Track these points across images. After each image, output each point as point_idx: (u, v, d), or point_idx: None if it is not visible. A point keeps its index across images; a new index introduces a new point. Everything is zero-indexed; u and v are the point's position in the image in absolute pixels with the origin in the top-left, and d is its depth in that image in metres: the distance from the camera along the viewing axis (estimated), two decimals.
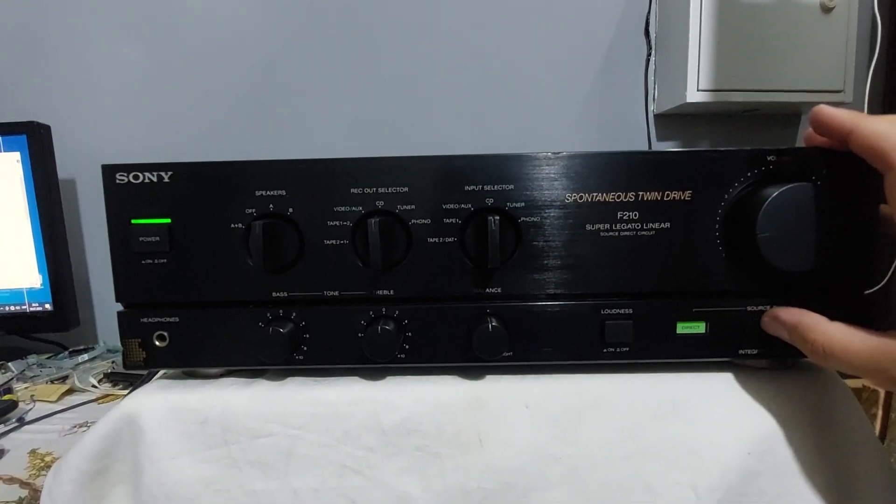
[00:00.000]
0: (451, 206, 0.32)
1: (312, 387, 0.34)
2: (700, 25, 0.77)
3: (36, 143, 0.71)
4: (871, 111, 0.77)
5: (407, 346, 0.33)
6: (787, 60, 0.78)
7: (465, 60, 0.86)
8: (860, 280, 0.33)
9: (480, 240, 0.31)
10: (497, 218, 0.30)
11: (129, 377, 0.65)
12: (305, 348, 0.34)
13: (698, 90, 0.78)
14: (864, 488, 0.33)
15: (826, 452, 0.33)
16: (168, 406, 0.33)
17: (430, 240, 0.32)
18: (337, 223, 0.32)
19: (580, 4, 0.87)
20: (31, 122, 0.71)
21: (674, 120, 0.90)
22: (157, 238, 0.32)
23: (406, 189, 0.32)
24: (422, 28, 0.86)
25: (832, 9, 0.77)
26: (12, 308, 0.74)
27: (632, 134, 0.89)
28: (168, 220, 0.32)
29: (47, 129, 0.73)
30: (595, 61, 0.88)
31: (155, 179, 0.32)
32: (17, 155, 0.71)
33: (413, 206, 0.32)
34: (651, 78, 0.88)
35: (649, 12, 0.87)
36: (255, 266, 0.32)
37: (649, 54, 0.88)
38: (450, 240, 0.32)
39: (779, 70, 0.78)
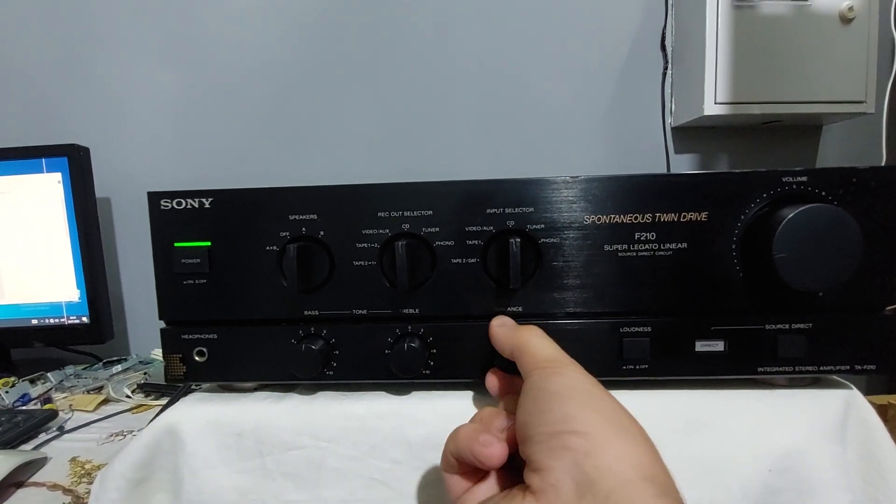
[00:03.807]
0: (474, 228, 0.34)
1: (341, 401, 0.36)
2: (717, 38, 0.78)
3: (76, 164, 0.75)
4: (890, 122, 0.76)
5: (432, 363, 0.35)
6: (807, 72, 0.77)
7: (484, 76, 0.88)
8: (878, 298, 0.33)
9: (502, 261, 0.33)
10: (518, 240, 0.32)
11: (160, 388, 0.68)
12: (335, 364, 0.35)
13: (716, 103, 0.78)
14: None
15: (849, 471, 0.33)
16: (206, 418, 0.35)
17: (454, 261, 0.34)
18: (365, 245, 0.34)
19: (597, 20, 0.88)
20: (72, 145, 0.75)
21: (692, 133, 0.90)
22: (198, 260, 0.35)
23: (430, 212, 0.34)
24: (440, 48, 0.88)
25: (852, 19, 0.77)
26: (52, 320, 0.77)
27: (649, 147, 0.89)
28: (208, 243, 0.35)
29: (86, 151, 0.77)
30: (612, 75, 0.89)
31: (196, 205, 0.35)
32: (58, 176, 0.75)
33: (437, 229, 0.34)
34: (668, 91, 0.89)
35: (665, 26, 0.88)
36: (288, 286, 0.34)
37: (666, 67, 0.88)
38: (473, 261, 0.34)
39: (798, 82, 0.78)
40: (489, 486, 0.27)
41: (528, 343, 0.29)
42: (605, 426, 0.23)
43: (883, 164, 0.74)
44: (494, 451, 0.25)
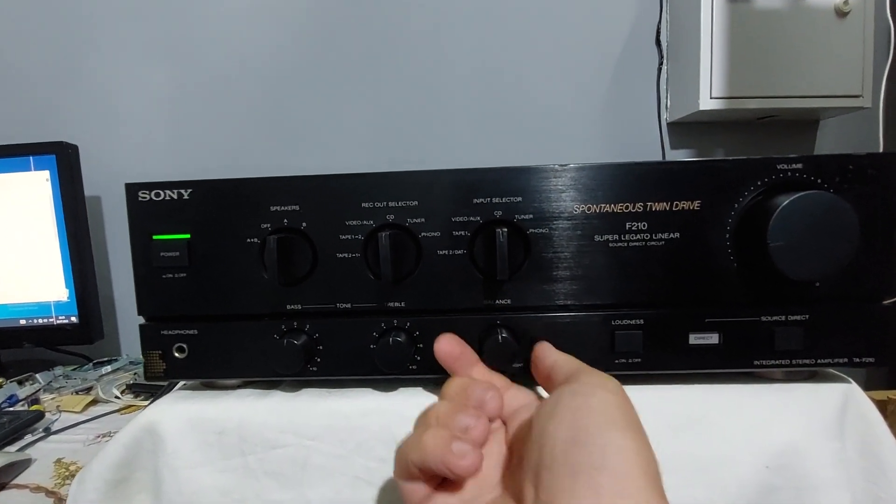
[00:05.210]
0: (461, 218, 0.33)
1: (326, 398, 0.35)
2: (712, 32, 0.77)
3: (64, 162, 0.74)
4: (886, 117, 0.75)
5: (418, 358, 0.34)
6: (803, 66, 0.77)
7: (479, 72, 0.87)
8: (877, 289, 0.32)
9: (489, 252, 0.32)
10: (505, 230, 0.31)
11: (150, 388, 0.66)
12: (319, 360, 0.34)
13: (711, 98, 0.77)
14: None
15: (849, 468, 0.32)
16: (187, 416, 0.34)
17: (440, 252, 0.33)
18: (349, 237, 0.33)
19: (592, 15, 0.87)
20: (60, 143, 0.74)
21: (687, 128, 0.89)
22: (177, 253, 0.34)
23: (416, 203, 0.33)
24: (435, 43, 0.87)
25: (847, 13, 0.76)
26: (40, 321, 0.76)
27: (645, 143, 0.88)
28: (187, 236, 0.34)
29: (75, 148, 0.76)
30: (607, 71, 0.88)
31: (175, 196, 0.34)
32: (46, 174, 0.74)
33: (423, 220, 0.33)
34: (663, 86, 0.88)
35: (660, 21, 0.87)
36: (270, 279, 0.33)
37: (661, 62, 0.88)
38: (459, 252, 0.33)
39: (794, 76, 0.77)
40: (456, 494, 0.25)
41: (572, 358, 0.28)
42: (638, 468, 0.21)
43: None
44: (471, 461, 0.23)
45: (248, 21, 0.86)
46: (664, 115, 0.89)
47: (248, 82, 0.87)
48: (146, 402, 0.64)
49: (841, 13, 0.76)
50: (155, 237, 0.34)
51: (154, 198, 0.34)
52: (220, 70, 0.87)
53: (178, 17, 0.86)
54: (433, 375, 0.34)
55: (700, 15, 0.77)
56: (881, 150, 0.74)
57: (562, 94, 0.88)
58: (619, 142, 0.90)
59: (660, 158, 0.88)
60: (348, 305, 0.34)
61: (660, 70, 0.88)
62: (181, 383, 0.39)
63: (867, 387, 0.39)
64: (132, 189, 0.34)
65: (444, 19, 0.87)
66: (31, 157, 0.74)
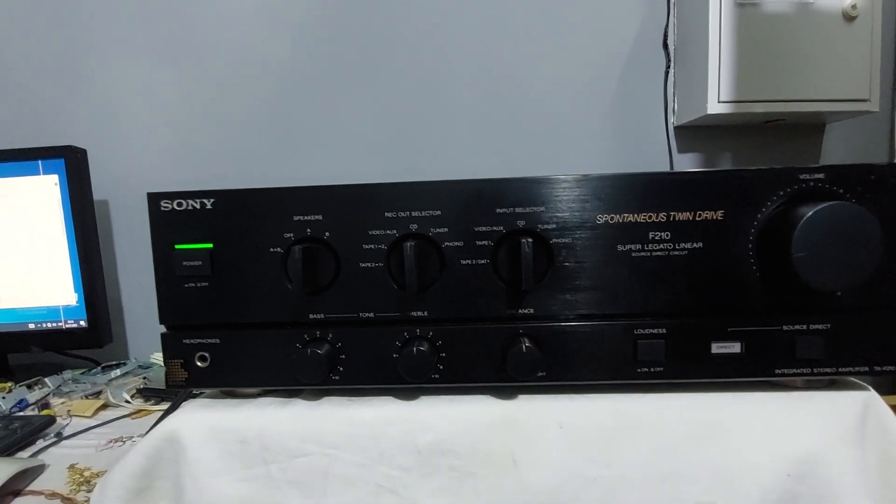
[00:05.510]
0: (483, 228, 0.33)
1: (348, 406, 0.35)
2: (720, 36, 0.77)
3: (73, 166, 0.74)
4: None
5: (441, 367, 0.34)
6: (811, 70, 0.77)
7: (485, 76, 0.87)
8: None
9: (513, 261, 0.32)
10: (530, 240, 0.31)
11: (160, 393, 0.66)
12: (341, 369, 0.34)
13: (719, 101, 0.78)
14: None
15: (869, 475, 0.32)
16: (208, 425, 0.34)
17: (463, 262, 0.33)
18: (372, 246, 0.33)
19: (598, 19, 0.87)
20: (69, 147, 0.74)
21: (695, 132, 0.89)
22: (200, 262, 0.34)
23: (439, 212, 0.33)
24: (441, 48, 0.87)
25: (855, 17, 0.76)
26: (49, 325, 0.76)
27: (653, 147, 0.88)
28: (210, 245, 0.34)
29: (83, 152, 0.76)
30: (614, 75, 0.89)
31: (198, 206, 0.34)
32: (55, 178, 0.74)
33: (446, 229, 0.33)
34: (671, 90, 0.88)
35: (668, 24, 0.87)
36: (293, 289, 0.33)
37: (668, 66, 0.88)
38: (482, 262, 0.33)
39: (802, 80, 0.77)
40: None
41: None
42: None
43: (893, 161, 0.74)
44: None
45: (253, 25, 0.86)
46: (671, 119, 0.89)
47: (252, 85, 0.87)
48: (157, 407, 0.64)
49: (849, 17, 0.76)
50: (177, 246, 0.34)
51: (176, 207, 0.34)
52: (226, 74, 0.87)
53: (183, 20, 0.85)
54: (456, 384, 0.34)
55: (708, 18, 0.77)
56: (893, 156, 0.74)
57: (568, 97, 0.88)
58: (625, 145, 0.90)
59: (667, 162, 0.89)
60: (371, 315, 0.34)
61: (667, 73, 0.88)
62: (193, 390, 0.39)
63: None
64: (154, 198, 0.34)
65: (449, 26, 0.87)
66: (39, 161, 0.74)
